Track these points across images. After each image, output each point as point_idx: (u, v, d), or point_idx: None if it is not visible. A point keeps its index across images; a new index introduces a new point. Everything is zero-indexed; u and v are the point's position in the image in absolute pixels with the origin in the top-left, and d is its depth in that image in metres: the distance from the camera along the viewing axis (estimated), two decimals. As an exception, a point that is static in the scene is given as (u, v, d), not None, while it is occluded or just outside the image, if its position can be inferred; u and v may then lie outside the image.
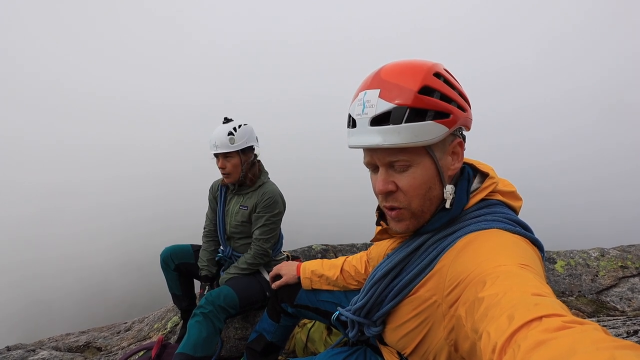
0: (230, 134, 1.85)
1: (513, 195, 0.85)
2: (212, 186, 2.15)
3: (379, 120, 0.73)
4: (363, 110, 0.75)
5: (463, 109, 0.77)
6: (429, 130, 0.72)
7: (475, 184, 0.84)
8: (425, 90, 0.72)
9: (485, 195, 0.81)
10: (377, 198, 0.84)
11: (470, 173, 0.84)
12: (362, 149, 0.84)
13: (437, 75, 0.75)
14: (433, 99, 0.72)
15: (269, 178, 2.04)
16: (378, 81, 0.75)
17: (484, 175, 0.86)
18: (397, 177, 0.77)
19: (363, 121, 0.75)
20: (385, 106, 0.72)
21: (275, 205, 1.91)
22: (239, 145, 1.86)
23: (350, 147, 0.82)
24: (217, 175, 2.10)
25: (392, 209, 0.80)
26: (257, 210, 1.90)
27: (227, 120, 1.92)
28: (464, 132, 0.83)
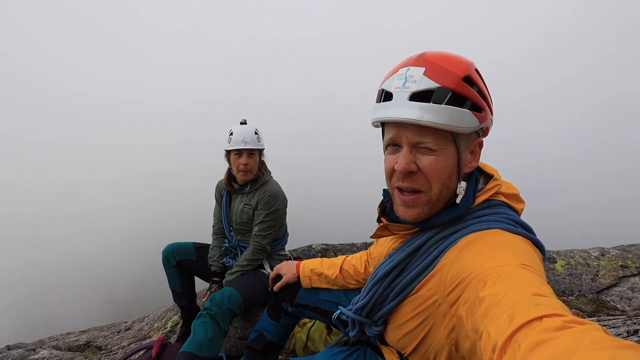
0: (256, 132, 1.96)
1: (516, 197, 0.85)
2: (217, 185, 2.19)
3: (420, 96, 0.72)
4: (404, 84, 0.74)
5: (490, 111, 0.79)
6: (464, 118, 0.73)
7: (479, 184, 0.85)
8: (468, 80, 0.74)
9: (489, 197, 0.81)
10: (390, 179, 0.82)
11: (477, 174, 0.84)
12: (381, 128, 0.84)
13: (477, 71, 0.77)
14: (473, 90, 0.74)
15: (272, 177, 2.09)
16: (423, 61, 0.75)
17: (488, 177, 0.86)
18: (419, 157, 0.76)
19: (402, 95, 0.74)
20: (429, 84, 0.72)
21: (274, 203, 1.95)
22: (262, 144, 2.00)
23: (378, 120, 0.80)
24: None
25: (408, 192, 0.79)
26: (258, 207, 1.95)
27: (245, 122, 2.01)
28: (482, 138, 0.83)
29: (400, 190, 0.80)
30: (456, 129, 0.73)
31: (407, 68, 0.76)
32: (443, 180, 0.76)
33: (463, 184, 0.79)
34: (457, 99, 0.72)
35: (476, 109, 0.74)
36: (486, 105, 0.77)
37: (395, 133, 0.78)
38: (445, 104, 0.71)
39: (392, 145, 0.81)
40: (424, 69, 0.73)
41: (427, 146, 0.74)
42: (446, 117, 0.71)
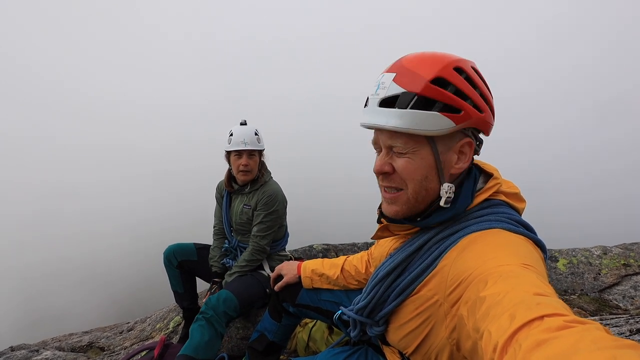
0: (256, 133, 1.97)
1: (517, 196, 0.85)
2: (218, 185, 2.19)
3: (388, 102, 0.75)
4: (376, 91, 0.78)
5: (480, 110, 0.76)
6: (432, 121, 0.72)
7: (479, 184, 0.84)
8: (439, 82, 0.73)
9: (489, 196, 0.81)
10: (377, 179, 0.87)
11: (477, 174, 0.84)
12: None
13: (459, 70, 0.75)
14: (444, 91, 0.72)
15: (272, 177, 2.09)
16: (398, 66, 0.78)
17: (488, 176, 0.86)
18: (395, 159, 0.80)
19: (374, 101, 0.78)
20: (395, 90, 0.75)
21: (273, 204, 1.95)
22: (262, 145, 2.00)
23: (361, 125, 0.86)
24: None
25: (388, 189, 0.83)
26: (257, 207, 1.96)
27: (245, 122, 2.01)
28: (482, 137, 0.82)
29: (384, 188, 0.84)
30: (424, 132, 0.73)
31: (382, 74, 0.79)
32: (417, 181, 0.78)
33: (446, 186, 0.77)
34: (425, 103, 0.72)
35: (450, 110, 0.73)
36: (469, 105, 0.74)
37: (375, 137, 0.83)
38: (410, 108, 0.72)
39: (375, 148, 0.86)
40: (395, 74, 0.76)
41: (398, 150, 0.78)
42: (410, 122, 0.72)
